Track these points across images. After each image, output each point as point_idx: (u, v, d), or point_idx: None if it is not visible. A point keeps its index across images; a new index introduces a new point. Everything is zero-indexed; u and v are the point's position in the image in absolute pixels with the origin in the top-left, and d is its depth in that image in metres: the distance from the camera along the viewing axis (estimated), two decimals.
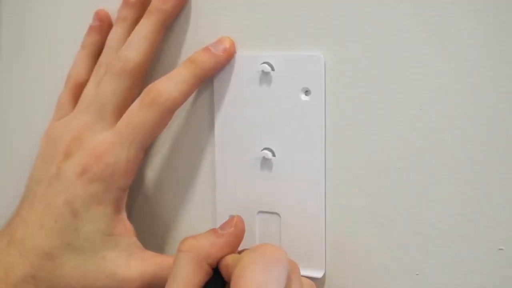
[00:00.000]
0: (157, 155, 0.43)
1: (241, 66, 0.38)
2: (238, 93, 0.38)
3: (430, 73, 0.34)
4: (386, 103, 0.35)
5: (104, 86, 0.38)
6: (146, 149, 0.38)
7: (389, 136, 0.35)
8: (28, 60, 0.48)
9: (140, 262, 0.37)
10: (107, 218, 0.37)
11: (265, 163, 0.38)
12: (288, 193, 0.37)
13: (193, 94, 0.40)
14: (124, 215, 0.38)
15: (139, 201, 0.44)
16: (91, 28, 0.43)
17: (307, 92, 0.36)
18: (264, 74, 0.37)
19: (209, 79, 0.40)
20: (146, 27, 0.39)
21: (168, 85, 0.37)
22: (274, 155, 0.38)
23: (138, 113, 0.37)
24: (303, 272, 0.35)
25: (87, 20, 0.43)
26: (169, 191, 0.43)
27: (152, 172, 0.44)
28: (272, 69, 0.37)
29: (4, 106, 0.50)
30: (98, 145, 0.37)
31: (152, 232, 0.44)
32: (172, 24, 0.41)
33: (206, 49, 0.38)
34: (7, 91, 0.50)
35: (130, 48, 0.39)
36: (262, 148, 0.38)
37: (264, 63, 0.37)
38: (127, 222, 0.38)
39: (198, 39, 0.40)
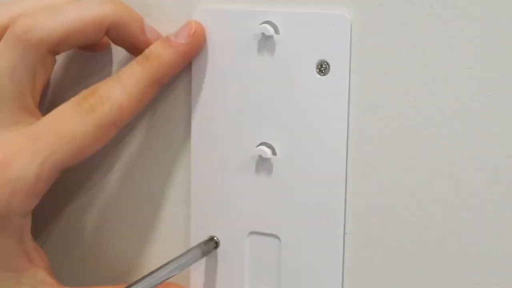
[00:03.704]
0: (118, 156, 0.40)
1: (232, 26, 0.35)
2: (225, 66, 0.36)
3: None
4: (434, 84, 0.32)
5: None
6: (64, 171, 0.35)
7: (436, 131, 0.32)
8: None
9: None
10: (4, 252, 0.34)
11: (262, 164, 0.36)
12: (292, 207, 0.35)
13: None
14: (28, 244, 0.35)
15: (95, 219, 0.42)
16: None
17: (324, 67, 0.33)
18: (265, 38, 0.34)
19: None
20: None
21: (113, 89, 0.34)
22: (274, 153, 0.35)
23: (69, 118, 0.34)
24: None
25: None
26: (131, 207, 0.41)
27: (111, 182, 0.41)
28: (276, 31, 0.34)
29: None
30: None
31: (110, 257, 0.42)
32: None
33: (165, 39, 0.36)
34: None
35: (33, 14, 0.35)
36: (258, 144, 0.36)
37: (265, 22, 0.34)
38: (34, 254, 0.36)
39: None
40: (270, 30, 0.34)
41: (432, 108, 0.32)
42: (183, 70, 0.37)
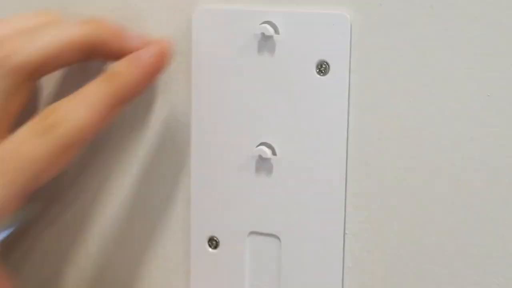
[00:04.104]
0: (118, 157, 0.40)
1: (232, 26, 0.35)
2: (225, 66, 0.36)
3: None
4: (434, 84, 0.31)
5: None
6: (29, 195, 0.33)
7: (436, 131, 0.32)
8: None
9: None
10: None
11: (262, 164, 0.35)
12: (292, 207, 0.35)
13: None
14: None
15: (95, 220, 0.41)
16: None
17: (324, 67, 0.33)
18: (265, 38, 0.34)
19: (186, 53, 0.36)
20: None
21: (74, 108, 0.33)
22: (274, 153, 0.35)
23: (29, 140, 0.32)
24: None
25: None
26: (132, 208, 0.40)
27: (111, 183, 0.40)
28: (276, 31, 0.34)
29: None
30: None
31: (110, 258, 0.41)
32: None
33: (130, 58, 0.35)
34: None
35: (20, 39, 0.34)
36: (258, 144, 0.35)
37: (265, 22, 0.34)
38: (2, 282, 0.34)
39: None
40: (270, 30, 0.34)
41: (432, 108, 0.32)
42: (182, 70, 0.37)
